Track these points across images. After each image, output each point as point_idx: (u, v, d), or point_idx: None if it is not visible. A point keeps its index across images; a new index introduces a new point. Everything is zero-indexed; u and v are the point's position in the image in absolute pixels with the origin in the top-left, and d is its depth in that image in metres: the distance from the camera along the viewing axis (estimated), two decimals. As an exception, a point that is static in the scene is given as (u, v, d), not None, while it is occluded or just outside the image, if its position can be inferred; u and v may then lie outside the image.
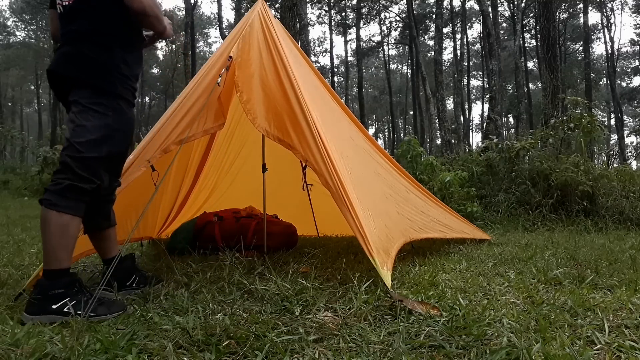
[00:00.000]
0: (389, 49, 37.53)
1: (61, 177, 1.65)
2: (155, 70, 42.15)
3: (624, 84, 36.75)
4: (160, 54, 41.90)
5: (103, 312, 1.61)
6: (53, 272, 1.62)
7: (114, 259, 1.85)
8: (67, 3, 1.79)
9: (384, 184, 2.88)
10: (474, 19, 33.47)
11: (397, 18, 32.21)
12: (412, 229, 2.71)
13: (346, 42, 34.01)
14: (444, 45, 28.57)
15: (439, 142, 25.19)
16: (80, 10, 1.77)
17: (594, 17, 59.29)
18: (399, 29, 33.78)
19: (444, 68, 23.76)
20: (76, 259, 2.34)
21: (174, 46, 39.96)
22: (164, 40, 2.04)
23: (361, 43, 32.53)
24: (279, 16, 9.29)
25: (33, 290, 1.63)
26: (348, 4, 30.47)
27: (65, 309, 1.57)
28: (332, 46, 34.01)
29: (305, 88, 2.37)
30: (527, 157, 6.30)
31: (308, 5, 23.02)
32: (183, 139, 2.10)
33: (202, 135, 2.26)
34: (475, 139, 45.38)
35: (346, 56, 35.22)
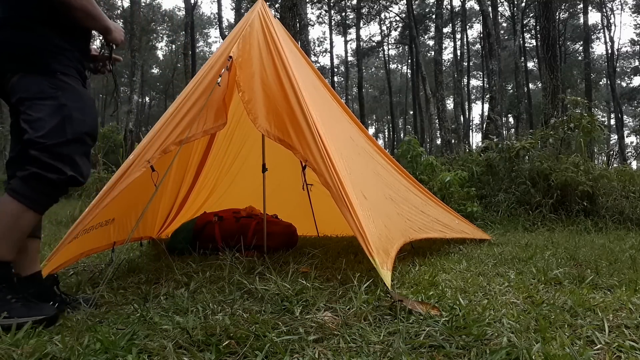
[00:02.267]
0: (389, 49, 37.56)
1: (28, 165, 1.52)
2: (155, 70, 42.18)
3: (624, 84, 36.76)
4: (160, 54, 41.93)
5: (20, 314, 1.44)
6: None
7: (34, 276, 1.64)
8: None
9: (384, 184, 2.88)
10: (474, 19, 33.48)
11: (397, 18, 32.22)
12: (412, 229, 2.71)
13: (346, 42, 34.03)
14: (444, 45, 28.62)
15: (439, 142, 25.21)
16: None
17: (594, 17, 59.39)
18: (399, 29, 33.80)
19: (444, 68, 23.77)
20: (76, 259, 2.34)
21: (174, 46, 39.99)
22: (114, 47, 1.83)
23: (361, 43, 32.54)
24: (279, 16, 9.29)
25: None
26: (348, 4, 30.48)
27: None
28: (332, 46, 34.03)
29: (305, 88, 2.37)
30: (527, 157, 6.30)
31: (308, 5, 23.02)
32: (183, 140, 2.09)
33: (202, 136, 2.26)
34: (475, 139, 45.41)
35: (346, 56, 35.24)
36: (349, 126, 3.09)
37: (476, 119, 43.36)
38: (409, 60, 32.23)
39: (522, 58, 28.70)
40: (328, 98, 3.02)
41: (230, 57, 2.28)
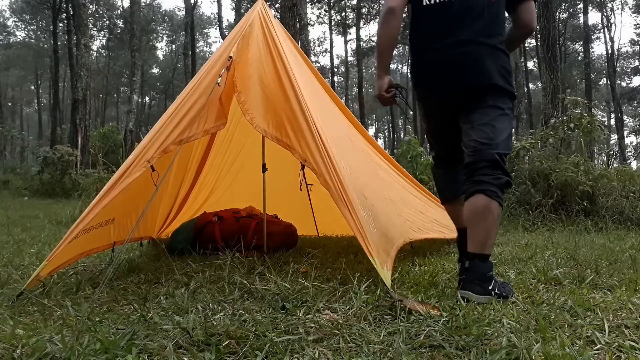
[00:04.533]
0: (389, 49, 37.45)
1: (498, 173, 1.75)
2: (155, 70, 42.20)
3: (624, 84, 36.77)
4: (160, 54, 41.94)
5: (507, 291, 1.73)
6: (485, 256, 1.74)
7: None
8: None
9: (383, 185, 2.88)
10: (474, 19, 33.41)
11: (397, 18, 32.13)
12: (412, 230, 2.71)
13: (346, 42, 34.03)
14: (444, 45, 28.50)
15: (439, 142, 25.16)
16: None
17: (594, 17, 59.32)
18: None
19: (444, 68, 23.69)
20: (76, 259, 2.34)
21: (174, 46, 40.02)
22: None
23: (361, 43, 32.52)
24: (279, 16, 9.29)
25: (466, 271, 1.75)
26: (348, 4, 30.49)
27: (495, 291, 1.70)
28: (332, 46, 34.04)
29: (305, 88, 2.37)
30: (527, 157, 6.29)
31: (308, 5, 23.04)
32: (183, 139, 2.09)
33: (202, 136, 2.26)
34: (475, 139, 45.30)
35: (346, 56, 35.24)
36: (348, 127, 3.09)
37: (476, 119, 43.28)
38: (409, 60, 32.22)
39: (522, 58, 28.69)
40: (327, 99, 3.02)
41: (231, 57, 2.27)
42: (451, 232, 3.19)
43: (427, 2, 1.87)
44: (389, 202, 2.74)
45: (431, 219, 3.09)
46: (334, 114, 2.96)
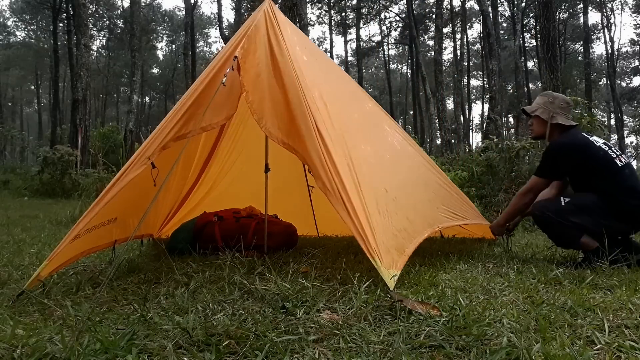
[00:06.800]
0: (389, 49, 37.57)
1: None
2: (155, 70, 42.21)
3: (624, 84, 36.80)
4: (160, 54, 41.95)
5: None
6: None
7: None
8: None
9: (418, 172, 3.01)
10: (474, 19, 33.51)
11: (397, 18, 32.25)
12: (445, 217, 2.83)
13: (346, 42, 34.05)
14: (444, 45, 28.63)
15: (439, 142, 25.19)
16: None
17: (594, 17, 59.45)
18: (399, 29, 33.83)
19: (444, 68, 23.77)
20: (77, 258, 2.34)
21: (174, 46, 40.04)
22: None
23: (361, 43, 32.56)
24: (279, 16, 9.26)
25: None
26: (348, 4, 30.50)
27: None
28: (332, 46, 34.06)
29: (315, 85, 2.35)
30: (527, 157, 6.29)
31: (308, 5, 23.04)
32: (180, 136, 2.09)
33: (199, 132, 2.25)
34: (475, 139, 45.34)
35: (346, 56, 35.23)
36: (377, 116, 3.17)
37: (476, 119, 43.42)
38: (409, 60, 32.25)
39: (522, 58, 28.71)
40: (356, 92, 3.07)
41: (236, 57, 2.27)
42: (480, 220, 3.29)
43: (620, 164, 2.59)
44: (421, 187, 2.83)
45: (467, 200, 3.22)
46: (363, 107, 3.03)
